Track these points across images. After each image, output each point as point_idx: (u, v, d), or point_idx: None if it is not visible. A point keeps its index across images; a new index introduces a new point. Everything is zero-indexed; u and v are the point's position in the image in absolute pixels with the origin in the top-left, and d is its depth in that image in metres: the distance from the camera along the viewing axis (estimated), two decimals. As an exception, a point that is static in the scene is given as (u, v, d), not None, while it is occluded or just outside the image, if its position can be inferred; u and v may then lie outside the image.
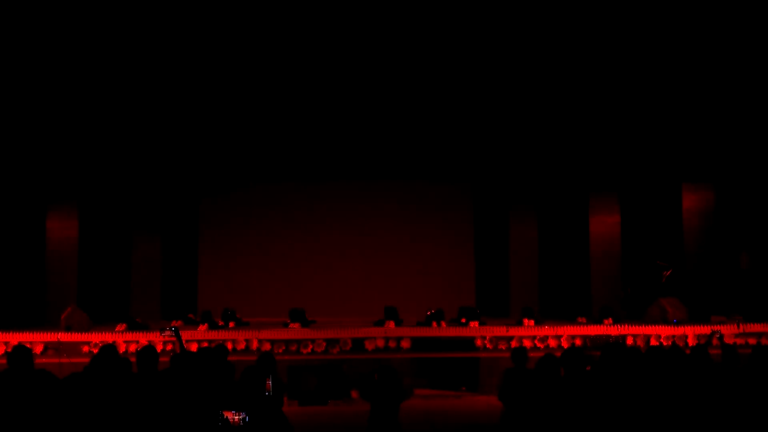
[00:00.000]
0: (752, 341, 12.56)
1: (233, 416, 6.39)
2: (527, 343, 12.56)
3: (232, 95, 15.61)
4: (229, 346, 12.10)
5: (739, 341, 12.53)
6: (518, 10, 14.12)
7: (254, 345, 12.52)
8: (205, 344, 12.12)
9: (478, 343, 12.73)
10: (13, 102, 14.86)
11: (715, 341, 12.44)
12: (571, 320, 14.16)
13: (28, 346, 8.57)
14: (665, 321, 13.14)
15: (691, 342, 12.52)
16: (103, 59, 14.47)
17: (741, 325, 12.88)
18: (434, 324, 13.33)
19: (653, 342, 12.49)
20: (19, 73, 14.43)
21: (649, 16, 14.18)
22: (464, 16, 14.32)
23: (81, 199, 16.07)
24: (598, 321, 13.52)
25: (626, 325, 12.98)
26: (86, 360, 8.35)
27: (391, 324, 13.32)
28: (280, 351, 12.46)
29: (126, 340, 12.43)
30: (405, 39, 14.64)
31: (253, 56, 14.83)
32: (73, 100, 15.19)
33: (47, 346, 12.30)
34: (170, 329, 10.06)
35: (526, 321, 13.42)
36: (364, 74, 15.23)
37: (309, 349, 12.56)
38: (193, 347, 12.01)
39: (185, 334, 12.19)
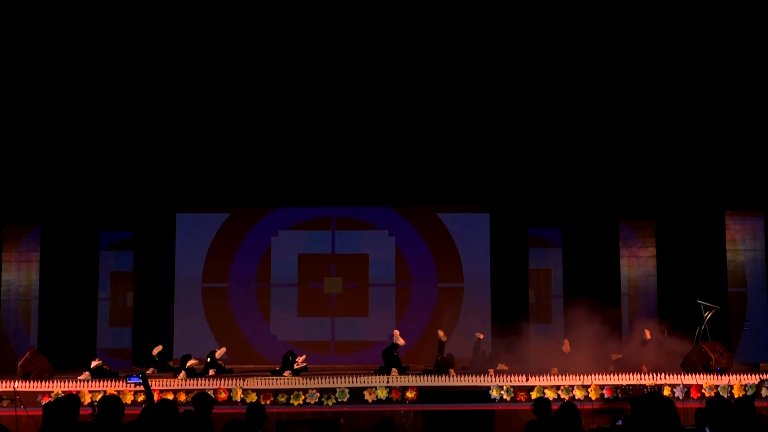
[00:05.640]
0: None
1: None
2: (550, 394, 12.50)
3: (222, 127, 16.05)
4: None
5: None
6: (546, 36, 14.65)
7: (238, 395, 12.47)
8: (182, 395, 12.10)
9: (494, 393, 12.67)
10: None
11: (763, 392, 12.41)
12: (599, 367, 14.08)
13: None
14: (707, 369, 13.08)
15: (737, 393, 12.48)
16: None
17: (795, 373, 12.85)
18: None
19: (694, 393, 12.44)
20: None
21: (684, 41, 14.54)
22: (489, 45, 15.41)
23: (43, 226, 16.09)
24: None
25: (662, 374, 12.93)
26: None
27: (395, 372, 13.27)
28: (268, 402, 12.36)
29: (91, 390, 12.39)
30: (423, 64, 15.64)
31: (263, 94, 15.45)
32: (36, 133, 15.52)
33: (1, 397, 12.25)
34: (138, 376, 10.06)
35: (548, 368, 13.38)
36: (375, 97, 16.19)
37: (300, 400, 12.52)
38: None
39: (158, 383, 12.20)
